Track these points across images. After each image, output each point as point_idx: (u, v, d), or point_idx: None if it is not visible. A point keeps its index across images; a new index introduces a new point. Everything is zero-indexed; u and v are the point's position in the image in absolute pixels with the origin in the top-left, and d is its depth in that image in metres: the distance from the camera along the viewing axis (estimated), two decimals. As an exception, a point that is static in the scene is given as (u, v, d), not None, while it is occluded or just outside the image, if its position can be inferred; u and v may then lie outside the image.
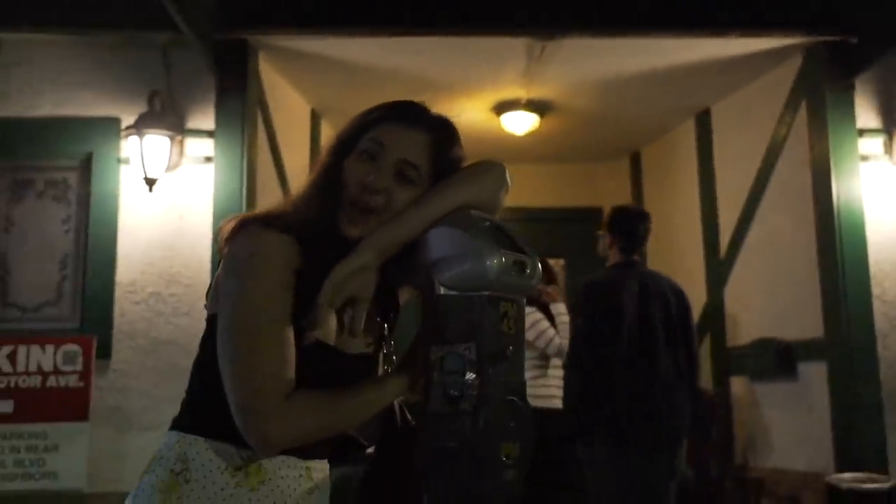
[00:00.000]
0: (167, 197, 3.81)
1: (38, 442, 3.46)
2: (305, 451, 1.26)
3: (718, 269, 4.84)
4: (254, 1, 3.90)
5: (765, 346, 4.27)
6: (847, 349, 3.82)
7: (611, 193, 6.13)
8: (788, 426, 4.20)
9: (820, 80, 4.03)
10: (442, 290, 1.25)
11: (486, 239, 1.26)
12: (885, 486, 3.45)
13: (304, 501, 1.27)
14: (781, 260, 4.29)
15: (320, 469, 1.31)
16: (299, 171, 4.67)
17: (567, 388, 3.27)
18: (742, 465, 4.45)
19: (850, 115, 3.97)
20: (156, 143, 3.67)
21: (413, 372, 1.27)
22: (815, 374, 4.03)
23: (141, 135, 3.65)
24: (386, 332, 1.40)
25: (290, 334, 1.19)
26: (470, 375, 1.24)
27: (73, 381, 3.54)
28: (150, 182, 3.69)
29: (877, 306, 3.85)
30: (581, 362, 3.18)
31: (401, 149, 1.29)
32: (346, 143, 1.33)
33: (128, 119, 3.83)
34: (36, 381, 3.52)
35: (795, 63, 4.20)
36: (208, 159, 3.84)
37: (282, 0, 3.94)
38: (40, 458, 3.45)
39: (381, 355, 1.39)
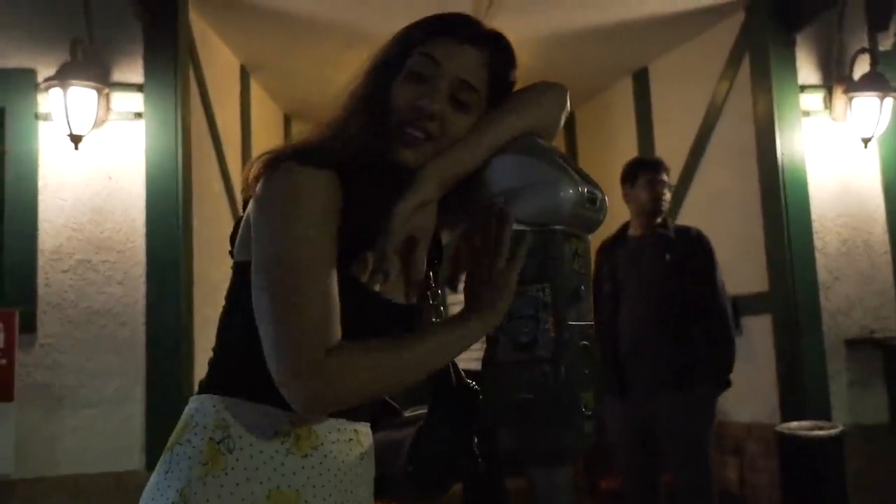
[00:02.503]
0: (94, 156, 3.49)
1: (-42, 426, 3.14)
2: (351, 413, 1.11)
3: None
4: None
5: (709, 302, 4.32)
6: (791, 302, 3.90)
7: (544, 155, 6.10)
8: (735, 379, 4.26)
9: (763, 35, 4.06)
10: (514, 225, 1.12)
11: (560, 167, 1.14)
12: (834, 432, 3.56)
13: (356, 468, 1.13)
14: (724, 216, 4.34)
15: (366, 433, 1.17)
16: (231, 131, 4.40)
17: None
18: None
19: (792, 70, 4.03)
20: (81, 96, 3.35)
21: (498, 304, 1.09)
22: (759, 327, 4.11)
23: (64, 87, 3.31)
24: (431, 280, 1.26)
25: (335, 281, 1.03)
26: (545, 319, 1.12)
27: (-6, 358, 3.22)
28: (76, 139, 3.37)
29: (819, 259, 3.94)
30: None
31: (457, 68, 1.14)
32: (392, 62, 1.17)
33: (44, 71, 3.48)
34: (-47, 359, 3.19)
35: (737, 19, 4.22)
36: (138, 115, 3.54)
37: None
38: (-38, 444, 3.14)
39: (426, 307, 1.26)
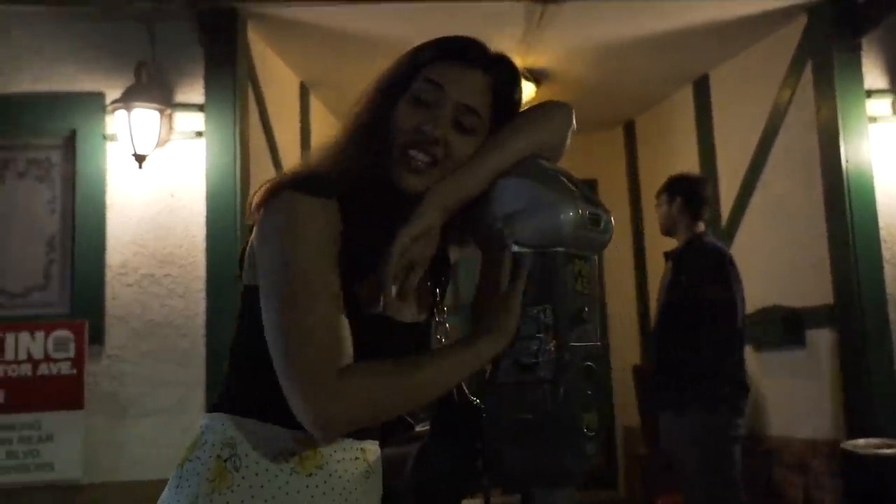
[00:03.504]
0: (157, 174, 3.64)
1: (31, 433, 3.31)
2: (359, 431, 1.14)
3: (720, 237, 4.75)
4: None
5: (771, 315, 4.21)
6: (858, 315, 3.76)
7: (605, 164, 6.05)
8: (796, 394, 4.15)
9: (826, 40, 3.94)
10: (514, 247, 1.14)
11: (561, 190, 1.15)
12: (902, 450, 3.40)
13: (361, 486, 1.16)
14: (787, 226, 4.22)
15: (373, 451, 1.19)
16: (290, 148, 4.51)
17: (731, 361, 3.29)
18: (751, 435, 4.40)
19: (857, 75, 3.89)
20: (144, 117, 3.50)
21: (504, 327, 1.10)
22: (823, 341, 3.97)
23: (129, 108, 3.47)
24: (438, 299, 1.29)
25: (341, 305, 1.06)
26: (546, 340, 1.13)
27: (65, 368, 3.39)
28: (140, 158, 3.52)
29: (887, 270, 3.79)
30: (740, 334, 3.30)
31: (460, 92, 1.16)
32: (395, 86, 1.19)
33: (112, 94, 3.65)
34: (27, 369, 3.37)
35: (799, 24, 4.11)
36: (199, 134, 3.68)
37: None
38: (34, 449, 3.31)
39: (433, 324, 1.28)
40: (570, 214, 1.12)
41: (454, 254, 1.34)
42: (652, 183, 3.85)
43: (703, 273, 3.33)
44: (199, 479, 1.09)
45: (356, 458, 1.15)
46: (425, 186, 1.14)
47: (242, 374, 1.18)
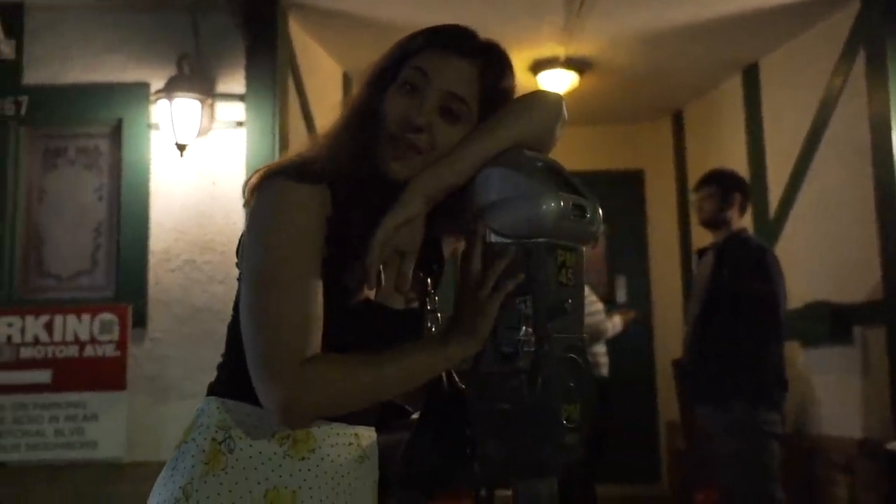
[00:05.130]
0: (198, 163, 3.73)
1: (77, 411, 3.44)
2: (352, 417, 1.15)
3: (767, 230, 4.64)
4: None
5: (818, 310, 4.09)
6: (909, 311, 3.63)
7: (652, 155, 5.95)
8: (842, 392, 4.03)
9: (879, 28, 3.80)
10: (493, 238, 1.13)
11: (543, 180, 1.14)
12: (951, 453, 3.29)
13: (355, 471, 1.17)
14: (836, 219, 4.09)
15: (368, 436, 1.21)
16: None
17: (772, 357, 3.25)
18: (794, 433, 4.30)
19: (911, 64, 3.75)
20: (186, 107, 3.58)
21: (477, 331, 1.10)
22: (872, 337, 3.85)
23: (171, 98, 3.56)
24: (430, 288, 1.29)
25: (318, 290, 1.07)
26: (526, 331, 1.13)
27: (109, 350, 3.51)
28: (181, 147, 3.61)
29: (940, 266, 3.65)
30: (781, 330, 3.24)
31: (446, 80, 1.16)
32: (385, 74, 1.20)
33: (157, 83, 3.74)
34: (73, 350, 3.49)
35: (852, 11, 3.97)
36: (240, 124, 3.75)
37: (312, -44, 3.81)
38: (79, 428, 3.43)
39: (425, 312, 1.28)
40: (551, 205, 1.11)
41: (448, 244, 1.34)
42: (700, 173, 3.77)
43: (746, 267, 3.28)
44: (193, 460, 1.11)
45: (350, 444, 1.17)
46: (411, 174, 1.15)
47: (238, 359, 1.21)
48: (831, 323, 4.01)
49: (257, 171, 1.18)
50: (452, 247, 1.35)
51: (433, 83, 1.16)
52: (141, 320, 3.63)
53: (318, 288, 1.09)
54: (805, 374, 4.25)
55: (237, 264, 1.24)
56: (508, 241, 1.13)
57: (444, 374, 1.27)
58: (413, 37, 1.23)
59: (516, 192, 1.13)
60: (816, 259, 4.21)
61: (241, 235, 1.23)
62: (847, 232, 4.00)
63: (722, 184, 3.45)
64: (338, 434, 1.16)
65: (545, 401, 1.10)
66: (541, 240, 1.12)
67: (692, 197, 3.54)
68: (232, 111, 3.76)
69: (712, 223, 3.44)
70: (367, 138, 1.17)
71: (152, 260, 3.70)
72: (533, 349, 1.11)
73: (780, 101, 4.65)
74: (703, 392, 3.32)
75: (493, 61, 1.21)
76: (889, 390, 3.72)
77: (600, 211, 1.19)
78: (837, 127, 4.12)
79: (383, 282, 1.15)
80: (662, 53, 4.68)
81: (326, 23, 4.14)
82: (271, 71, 3.75)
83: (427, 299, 1.27)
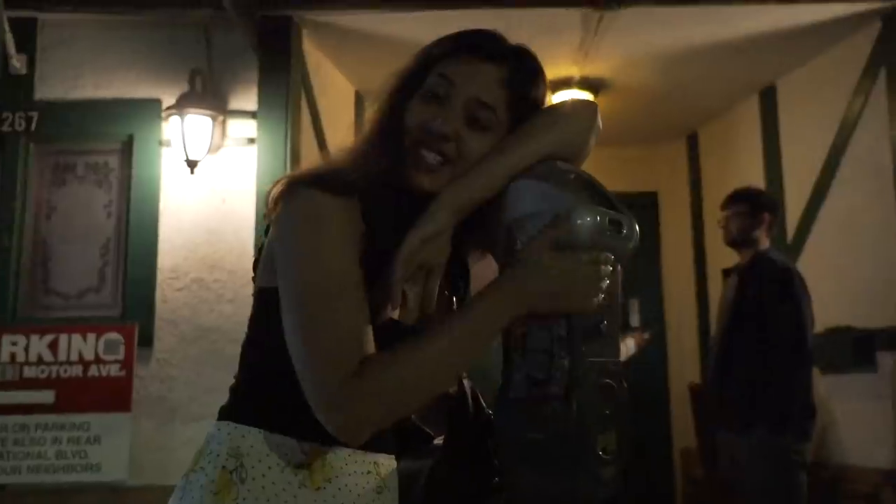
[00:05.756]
0: (209, 180, 3.68)
1: (80, 433, 3.36)
2: (372, 444, 1.08)
3: (785, 253, 4.56)
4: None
5: (839, 336, 3.99)
6: (933, 337, 3.54)
7: (666, 177, 5.88)
8: (867, 421, 3.92)
9: (901, 48, 3.75)
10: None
11: (577, 193, 1.07)
12: (980, 485, 3.18)
13: (373, 502, 1.10)
14: (857, 242, 4.00)
15: (388, 465, 1.13)
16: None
17: (799, 382, 3.15)
18: (815, 462, 4.18)
19: (934, 84, 3.68)
20: (197, 123, 3.54)
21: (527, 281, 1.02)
22: (896, 364, 3.75)
23: (182, 115, 3.52)
24: (455, 307, 1.22)
25: (364, 304, 1.01)
26: (559, 354, 1.05)
27: (114, 370, 3.44)
28: (192, 164, 3.56)
29: (965, 290, 3.56)
30: (808, 354, 3.15)
31: (472, 86, 1.10)
32: (409, 83, 1.14)
33: (168, 100, 3.71)
34: (77, 370, 3.42)
35: (872, 31, 3.91)
36: (251, 141, 3.70)
37: (326, -26, 3.77)
38: (82, 450, 3.35)
39: None
40: (586, 219, 1.04)
41: (474, 261, 1.27)
42: (715, 196, 3.72)
43: (773, 289, 3.20)
44: (202, 491, 1.04)
45: (368, 472, 1.10)
46: (438, 186, 1.08)
47: (252, 380, 1.14)
48: (853, 349, 3.91)
49: (280, 180, 1.12)
50: (477, 264, 1.28)
51: (459, 90, 1.10)
52: (147, 340, 3.56)
53: (364, 299, 1.02)
54: (826, 401, 4.14)
55: (253, 278, 1.18)
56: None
57: (468, 395, 1.19)
58: (438, 42, 1.17)
59: (549, 205, 1.06)
60: (837, 283, 4.11)
61: (260, 250, 1.16)
62: (868, 255, 3.92)
63: (752, 202, 3.38)
64: (356, 462, 1.09)
65: (580, 430, 1.03)
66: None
67: (719, 214, 3.45)
68: (243, 128, 3.72)
69: (739, 242, 3.36)
70: (393, 150, 1.10)
71: (160, 278, 3.64)
72: (566, 374, 1.04)
73: (798, 123, 4.59)
74: (727, 418, 3.23)
75: (523, 67, 1.15)
76: (914, 419, 3.61)
77: (637, 227, 1.12)
78: (858, 148, 4.05)
79: (409, 301, 1.08)
80: (677, 74, 4.63)
81: (340, 41, 4.11)
82: (284, 88, 3.71)
83: None
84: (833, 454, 4.11)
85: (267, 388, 1.06)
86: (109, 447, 3.35)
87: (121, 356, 3.44)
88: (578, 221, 1.04)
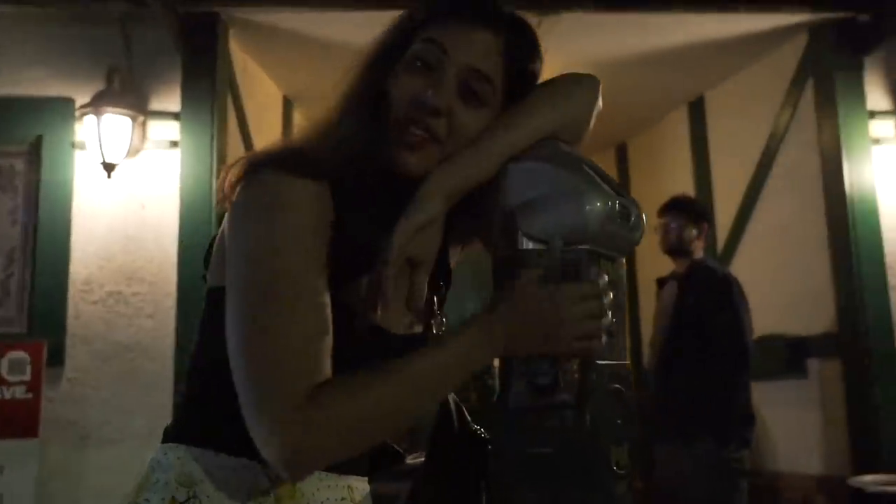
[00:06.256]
0: (128, 184, 3.42)
1: (-19, 461, 3.05)
2: (345, 465, 0.94)
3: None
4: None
5: (771, 343, 4.03)
6: (863, 344, 3.59)
7: (595, 188, 5.88)
8: (798, 427, 3.96)
9: (827, 60, 3.82)
10: (528, 244, 0.94)
11: (586, 176, 0.96)
12: (913, 487, 3.22)
13: None
14: (787, 251, 4.06)
15: (362, 488, 0.99)
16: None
17: (741, 390, 3.13)
18: (750, 470, 4.20)
19: (859, 95, 3.77)
20: (115, 123, 3.29)
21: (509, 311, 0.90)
22: (827, 371, 3.80)
23: (98, 114, 3.26)
24: (437, 308, 1.09)
25: (327, 305, 0.86)
26: (567, 357, 0.93)
27: (20, 392, 3.14)
28: (109, 167, 3.31)
29: (893, 297, 3.64)
30: (748, 362, 3.10)
31: (467, 54, 0.97)
32: (390, 50, 1.00)
33: (83, 99, 3.44)
34: (-22, 392, 3.11)
35: (799, 43, 3.99)
36: (174, 144, 3.47)
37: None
38: (-16, 480, 3.04)
39: (431, 336, 1.08)
40: (597, 205, 0.93)
41: (454, 255, 1.15)
42: (645, 208, 3.62)
43: (712, 298, 3.19)
44: None
45: (342, 498, 0.96)
46: (427, 168, 0.95)
47: (204, 395, 0.98)
48: (785, 356, 3.95)
49: (236, 161, 0.97)
50: (459, 257, 1.15)
51: (452, 58, 0.97)
52: (57, 358, 3.27)
53: (327, 302, 0.87)
54: (759, 408, 4.16)
55: (204, 277, 1.02)
56: (543, 247, 0.94)
57: (452, 408, 1.06)
58: (421, 5, 1.04)
59: (555, 189, 0.95)
60: (768, 291, 4.15)
61: (212, 242, 1.00)
62: (799, 263, 3.97)
63: (690, 210, 3.38)
64: (329, 487, 0.95)
65: (593, 441, 0.91)
66: (583, 247, 0.94)
67: (655, 222, 3.43)
68: (166, 130, 3.49)
69: (677, 251, 3.34)
70: (373, 127, 0.96)
71: (72, 291, 3.35)
72: (577, 378, 0.92)
73: (726, 134, 4.65)
74: (668, 430, 3.18)
75: (521, 35, 1.03)
76: (846, 425, 3.66)
77: (644, 215, 1.02)
78: (787, 158, 4.12)
79: (388, 300, 0.94)
80: (608, 84, 4.47)
81: (268, 42, 3.92)
82: (209, 89, 3.50)
83: (433, 322, 1.07)
84: (767, 461, 4.14)
85: (221, 403, 0.88)
86: (14, 477, 3.05)
87: (27, 377, 3.14)
88: (588, 207, 0.93)
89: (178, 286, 3.34)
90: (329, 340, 0.85)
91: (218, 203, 0.99)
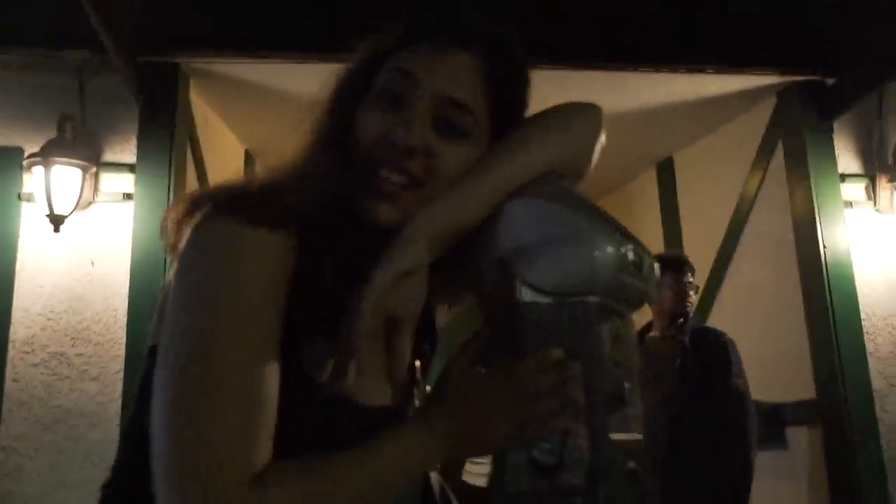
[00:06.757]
0: (77, 239, 3.23)
1: None
2: None
3: (688, 327, 4.51)
4: (188, 20, 3.43)
5: (747, 411, 3.91)
6: (843, 412, 3.49)
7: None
8: (777, 498, 3.81)
9: (796, 122, 3.81)
10: (527, 295, 0.80)
11: (593, 217, 0.83)
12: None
13: None
14: (761, 316, 3.98)
15: None
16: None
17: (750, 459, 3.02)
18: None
19: (830, 158, 3.75)
20: (65, 175, 3.11)
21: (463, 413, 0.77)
22: (807, 440, 3.68)
23: (47, 165, 3.08)
24: (418, 376, 0.94)
25: (273, 374, 0.72)
26: (576, 430, 0.79)
27: (-52, 462, 2.87)
28: (57, 220, 3.11)
29: (872, 364, 3.55)
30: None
31: (439, 80, 0.84)
32: (357, 83, 0.88)
33: (33, 149, 3.26)
34: None
35: (768, 106, 3.98)
36: (127, 196, 3.30)
37: (220, 19, 3.49)
38: None
39: (410, 409, 0.93)
40: (607, 250, 0.80)
41: (442, 317, 1.00)
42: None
43: (720, 364, 3.08)
44: None
45: None
46: (404, 217, 0.81)
47: (139, 461, 0.81)
48: (762, 425, 3.82)
49: (183, 198, 0.83)
50: (446, 315, 1.00)
51: (423, 87, 0.84)
52: (-8, 425, 3.03)
53: (274, 371, 0.72)
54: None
55: (150, 332, 0.87)
56: (546, 299, 0.80)
57: (435, 489, 0.91)
58: (388, 31, 0.92)
59: (559, 232, 0.81)
60: (743, 358, 4.05)
61: (162, 299, 0.85)
62: (774, 329, 3.89)
63: (691, 269, 3.26)
64: None
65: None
66: (592, 299, 0.80)
67: (669, 280, 3.22)
68: (119, 182, 3.32)
69: (682, 313, 3.17)
70: (341, 170, 0.83)
71: (12, 351, 3.12)
72: (587, 457, 0.77)
73: (696, 196, 4.62)
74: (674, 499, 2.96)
75: (504, 56, 0.90)
76: (828, 495, 3.53)
77: (657, 265, 0.89)
78: (758, 221, 4.07)
79: (361, 366, 0.79)
80: None
81: (231, 95, 3.80)
82: (168, 141, 3.35)
83: (416, 390, 0.92)
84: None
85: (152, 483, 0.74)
86: (-65, 557, 2.77)
87: (-44, 445, 2.89)
88: (597, 253, 0.80)
89: (126, 348, 3.13)
90: (273, 416, 0.71)
91: (166, 252, 0.85)
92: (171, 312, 0.75)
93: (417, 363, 0.92)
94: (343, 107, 0.88)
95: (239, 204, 0.79)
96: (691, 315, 3.25)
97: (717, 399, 3.00)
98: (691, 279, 3.25)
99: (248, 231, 0.76)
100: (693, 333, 3.19)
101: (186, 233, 0.79)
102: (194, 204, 0.81)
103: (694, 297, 3.25)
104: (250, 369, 0.71)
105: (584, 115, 0.93)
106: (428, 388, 0.90)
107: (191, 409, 0.68)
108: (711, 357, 3.09)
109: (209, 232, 0.77)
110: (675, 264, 3.25)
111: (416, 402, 0.90)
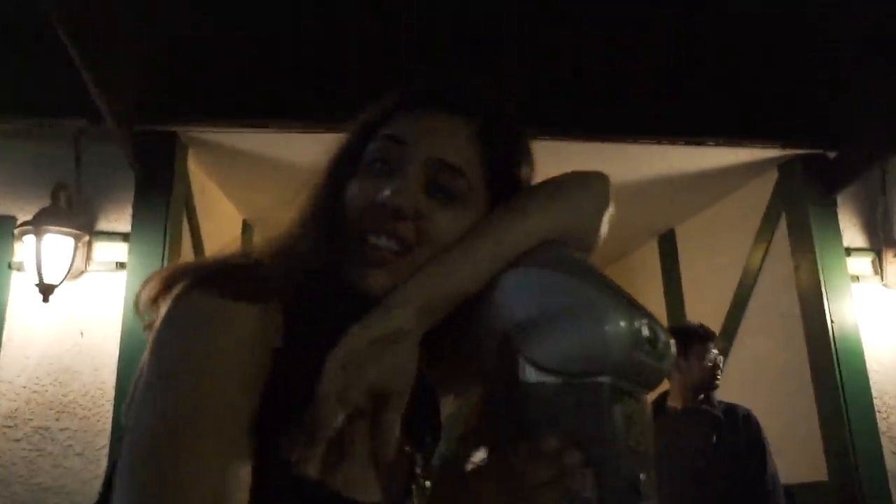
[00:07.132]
0: (66, 309, 3.15)
1: None
2: None
3: (693, 403, 4.39)
4: (186, 89, 3.43)
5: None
6: (857, 494, 3.35)
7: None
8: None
9: (799, 196, 3.78)
10: (532, 375, 0.73)
11: (603, 289, 0.76)
12: None
13: None
14: (768, 392, 3.86)
15: None
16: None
17: None
18: None
19: (835, 232, 3.70)
20: (57, 243, 3.05)
21: None
22: (819, 523, 3.53)
23: (39, 233, 3.03)
24: (418, 468, 0.85)
25: (245, 474, 0.65)
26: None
27: (-81, 543, 2.73)
28: (47, 290, 3.04)
29: (885, 444, 3.43)
30: None
31: (432, 144, 0.80)
32: (349, 154, 0.84)
33: (26, 217, 3.22)
34: None
35: (769, 178, 3.96)
36: (120, 265, 3.24)
37: (219, 90, 3.49)
38: None
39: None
40: (620, 325, 0.73)
41: (448, 405, 0.92)
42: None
43: (751, 442, 3.03)
44: None
45: None
46: (395, 284, 0.75)
47: None
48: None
49: (157, 276, 0.77)
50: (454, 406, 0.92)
51: (414, 151, 0.80)
52: (-32, 504, 2.89)
53: (246, 463, 0.66)
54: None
55: (123, 413, 0.80)
56: (553, 379, 0.72)
57: None
58: (381, 101, 0.89)
59: (567, 304, 0.74)
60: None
61: (136, 379, 0.79)
62: (781, 406, 3.77)
63: (713, 341, 3.19)
64: None
65: None
66: (603, 379, 0.72)
67: (698, 350, 3.19)
68: (112, 251, 3.26)
69: (712, 385, 3.12)
70: (332, 241, 0.78)
71: (-7, 426, 3.01)
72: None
73: (699, 269, 4.56)
74: None
75: (499, 117, 0.86)
76: (845, 584, 3.36)
77: (672, 342, 0.81)
78: (763, 294, 4.00)
79: (346, 453, 0.72)
80: None
81: (229, 164, 3.78)
82: (163, 209, 3.31)
83: (414, 486, 0.83)
84: None
85: None
86: None
87: (-71, 525, 2.75)
88: (608, 328, 0.72)
89: (113, 423, 3.02)
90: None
91: (145, 328, 0.79)
92: (141, 393, 0.69)
93: (418, 457, 0.84)
94: (336, 176, 0.85)
95: (218, 278, 0.74)
96: (711, 385, 3.19)
97: (754, 482, 2.88)
98: (718, 350, 3.21)
99: (228, 304, 0.70)
100: (730, 410, 3.12)
101: (162, 309, 0.73)
102: (170, 279, 0.75)
103: (713, 371, 3.20)
104: (219, 466, 0.64)
105: (591, 183, 0.88)
106: (428, 483, 0.81)
107: (154, 497, 0.61)
108: (747, 436, 3.00)
109: (187, 306, 0.71)
110: (703, 335, 3.20)
111: (416, 500, 0.81)
